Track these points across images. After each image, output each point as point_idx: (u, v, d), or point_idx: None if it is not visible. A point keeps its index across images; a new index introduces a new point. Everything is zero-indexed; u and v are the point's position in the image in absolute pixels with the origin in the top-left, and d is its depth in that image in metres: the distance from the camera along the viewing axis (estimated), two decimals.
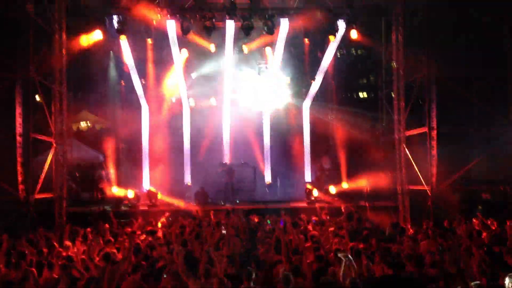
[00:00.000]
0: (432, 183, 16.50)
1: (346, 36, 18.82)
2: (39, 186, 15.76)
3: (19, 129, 16.16)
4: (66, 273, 7.94)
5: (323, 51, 19.92)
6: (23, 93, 16.44)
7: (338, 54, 20.46)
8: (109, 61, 19.42)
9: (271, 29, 18.13)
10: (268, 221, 13.09)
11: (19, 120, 16.22)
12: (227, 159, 21.50)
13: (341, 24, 18.26)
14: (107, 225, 12.73)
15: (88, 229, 12.01)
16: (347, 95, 22.13)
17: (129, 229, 12.41)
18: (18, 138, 16.25)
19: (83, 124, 21.37)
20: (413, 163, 16.91)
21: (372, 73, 20.02)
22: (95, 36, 17.96)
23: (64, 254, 9.28)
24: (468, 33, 16.84)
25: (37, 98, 16.74)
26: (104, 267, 8.14)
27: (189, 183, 20.79)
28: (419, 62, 17.23)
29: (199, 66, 21.28)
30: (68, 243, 10.42)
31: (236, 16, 17.96)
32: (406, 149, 17.13)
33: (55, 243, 10.45)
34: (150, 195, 18.04)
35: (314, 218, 14.11)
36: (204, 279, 7.57)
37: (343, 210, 15.06)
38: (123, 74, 20.00)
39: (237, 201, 18.57)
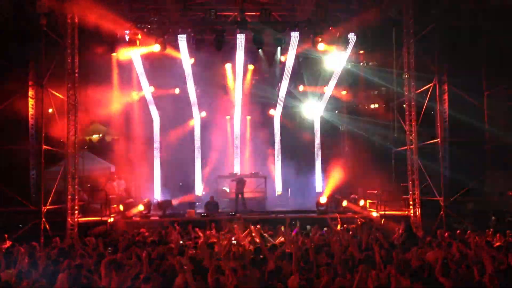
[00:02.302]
0: (445, 194, 16.39)
1: (356, 47, 18.98)
2: (51, 197, 15.86)
3: (31, 140, 16.34)
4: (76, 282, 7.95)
5: (334, 62, 19.95)
6: (35, 105, 16.66)
7: (349, 65, 20.45)
8: (120, 72, 19.52)
9: (281, 42, 18.27)
10: (282, 228, 13.09)
11: (31, 132, 16.41)
12: (237, 169, 21.56)
13: (352, 36, 18.37)
14: (116, 236, 12.76)
15: (100, 239, 12.02)
16: (358, 105, 22.04)
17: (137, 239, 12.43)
18: (31, 150, 16.45)
19: (94, 136, 21.51)
20: (426, 174, 16.79)
21: (384, 83, 19.94)
22: (107, 48, 18.16)
23: (76, 263, 9.29)
24: (479, 42, 16.78)
25: (50, 110, 16.93)
26: (113, 276, 8.14)
27: (199, 194, 20.86)
28: (430, 72, 17.22)
29: (210, 77, 21.38)
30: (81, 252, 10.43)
31: (247, 30, 18.10)
32: (418, 160, 17.01)
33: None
34: (162, 205, 18.08)
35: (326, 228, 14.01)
36: None
37: (358, 222, 15.03)
38: (135, 84, 20.15)
39: (250, 211, 18.47)
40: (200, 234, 12.71)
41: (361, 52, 20.05)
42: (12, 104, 16.22)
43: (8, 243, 11.77)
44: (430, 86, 17.30)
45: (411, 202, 17.01)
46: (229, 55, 20.03)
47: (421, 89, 17.60)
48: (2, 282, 7.87)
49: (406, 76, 17.56)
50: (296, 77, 21.41)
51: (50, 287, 7.91)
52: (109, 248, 11.10)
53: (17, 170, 16.39)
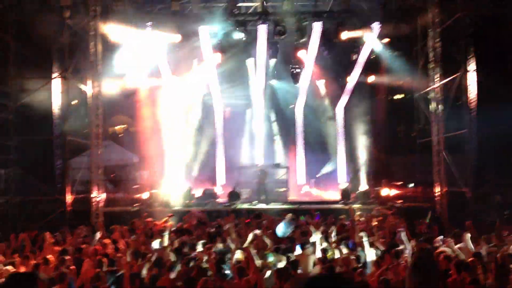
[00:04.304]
0: (471, 186, 16.09)
1: (381, 37, 18.71)
2: (76, 186, 16.07)
3: (56, 131, 16.55)
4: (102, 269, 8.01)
5: (357, 53, 19.73)
6: (60, 96, 16.85)
7: (373, 55, 20.16)
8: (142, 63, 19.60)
9: (304, 33, 18.10)
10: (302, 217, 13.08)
11: (56, 123, 16.61)
12: (260, 159, 21.56)
13: (376, 26, 18.12)
14: (140, 224, 12.85)
15: (125, 228, 12.14)
16: (382, 96, 21.69)
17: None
18: (56, 140, 16.66)
19: (118, 127, 21.69)
20: (452, 165, 16.49)
21: (409, 73, 19.61)
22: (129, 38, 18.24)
23: (101, 251, 9.40)
24: (506, 30, 16.36)
25: (74, 101, 17.13)
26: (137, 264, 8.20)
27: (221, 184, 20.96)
28: (457, 61, 16.88)
29: (233, 69, 21.36)
30: (105, 241, 10.54)
31: (269, 20, 17.98)
32: (444, 151, 16.71)
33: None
34: (186, 194, 18.24)
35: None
36: (238, 278, 7.51)
37: (375, 213, 14.86)
38: (156, 75, 20.21)
39: (273, 201, 18.46)
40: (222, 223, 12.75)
41: (385, 41, 19.73)
42: (37, 95, 16.48)
43: (34, 232, 11.94)
44: (457, 76, 16.96)
45: (436, 194, 16.74)
46: (251, 49, 19.99)
47: (447, 79, 17.26)
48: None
49: (431, 66, 17.25)
50: (319, 68, 21.20)
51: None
52: (133, 236, 11.19)
53: (43, 160, 16.64)
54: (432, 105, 17.25)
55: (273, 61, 21.35)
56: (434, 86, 17.18)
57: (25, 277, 4.11)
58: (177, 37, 18.42)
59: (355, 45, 19.71)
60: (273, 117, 23.16)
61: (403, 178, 18.19)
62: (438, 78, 17.05)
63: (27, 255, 9.07)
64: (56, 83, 16.89)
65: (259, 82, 21.17)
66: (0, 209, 15.32)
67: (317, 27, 18.26)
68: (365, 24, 18.26)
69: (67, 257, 8.64)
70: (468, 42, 16.79)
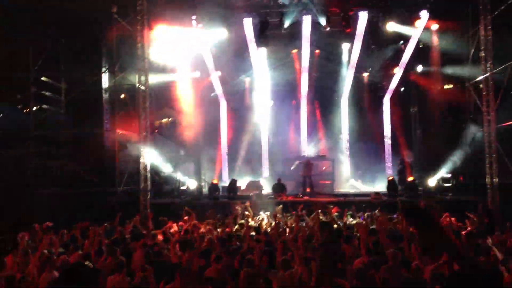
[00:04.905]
0: None
1: (429, 25, 18.19)
2: (125, 178, 16.46)
3: (105, 124, 17.00)
4: (151, 261, 8.16)
5: (405, 42, 19.25)
6: (108, 90, 17.29)
7: (421, 44, 19.64)
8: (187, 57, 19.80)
9: (349, 23, 17.81)
10: (348, 215, 12.91)
11: (105, 117, 17.07)
12: (304, 152, 21.47)
13: (424, 14, 17.62)
14: (185, 216, 13.05)
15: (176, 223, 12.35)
16: (431, 86, 21.04)
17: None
18: (105, 133, 17.12)
19: (164, 120, 22.06)
20: (504, 157, 15.91)
21: (459, 62, 18.97)
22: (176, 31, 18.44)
23: (149, 242, 9.59)
24: None
25: (122, 95, 17.53)
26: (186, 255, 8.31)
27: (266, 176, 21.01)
28: (509, 49, 16.21)
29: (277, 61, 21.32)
30: (153, 232, 10.75)
31: (313, 11, 17.81)
32: (496, 143, 16.12)
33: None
34: (229, 187, 18.38)
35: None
36: (282, 270, 7.50)
37: (421, 205, 14.47)
38: (202, 69, 20.37)
39: (318, 193, 18.38)
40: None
41: (434, 30, 19.16)
42: (86, 90, 16.98)
43: (85, 224, 12.30)
44: (510, 64, 16.30)
45: (488, 186, 16.20)
46: (296, 41, 19.87)
47: (499, 68, 16.61)
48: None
49: (483, 54, 16.65)
50: (364, 58, 20.84)
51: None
52: (180, 227, 11.36)
53: (93, 153, 17.13)
54: (484, 95, 16.64)
55: (317, 52, 21.20)
56: (486, 75, 16.56)
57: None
58: (223, 31, 18.53)
59: (403, 34, 19.24)
60: (318, 108, 23.02)
61: (453, 170, 17.67)
62: (490, 67, 16.41)
63: (79, 245, 9.36)
64: (105, 78, 17.34)
65: (303, 73, 21.00)
66: (52, 201, 15.83)
67: (363, 17, 17.93)
68: (413, 12, 17.76)
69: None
70: None
